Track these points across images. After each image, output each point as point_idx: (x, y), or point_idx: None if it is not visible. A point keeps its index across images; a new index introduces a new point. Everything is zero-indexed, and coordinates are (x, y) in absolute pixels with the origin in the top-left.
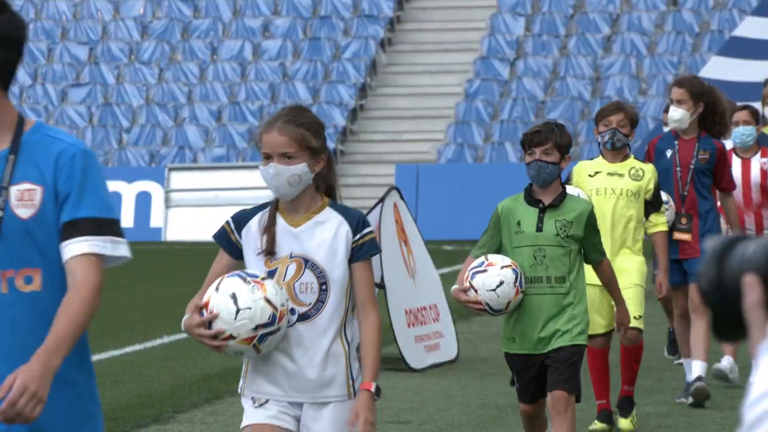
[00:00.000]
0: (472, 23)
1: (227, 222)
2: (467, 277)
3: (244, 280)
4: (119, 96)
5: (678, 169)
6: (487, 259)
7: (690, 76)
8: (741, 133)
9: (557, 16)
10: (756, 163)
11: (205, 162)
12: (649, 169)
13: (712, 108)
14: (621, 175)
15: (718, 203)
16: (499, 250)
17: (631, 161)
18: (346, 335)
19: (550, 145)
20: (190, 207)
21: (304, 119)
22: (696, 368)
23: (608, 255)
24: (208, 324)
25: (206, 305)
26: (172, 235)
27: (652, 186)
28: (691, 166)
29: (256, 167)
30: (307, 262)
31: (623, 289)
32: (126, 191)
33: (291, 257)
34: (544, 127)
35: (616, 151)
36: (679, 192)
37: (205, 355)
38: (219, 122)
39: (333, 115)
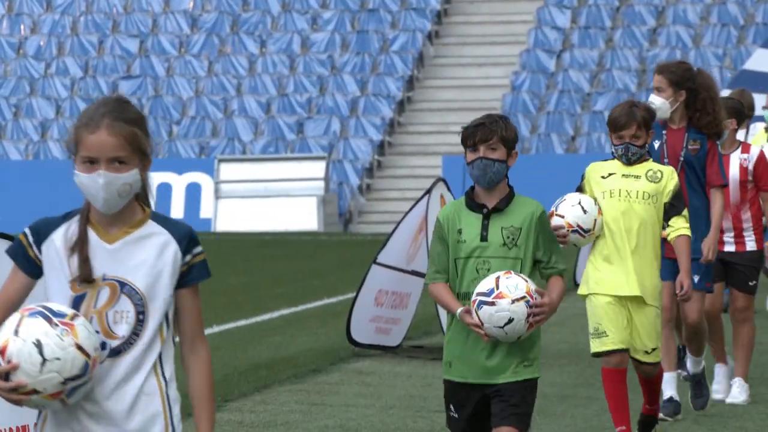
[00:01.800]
0: (519, 16)
1: (24, 233)
2: (474, 302)
3: (50, 321)
4: (169, 88)
5: (666, 161)
6: (497, 287)
7: (674, 63)
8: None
9: (603, 8)
10: (735, 159)
11: (253, 153)
12: (668, 171)
13: (695, 97)
14: (637, 177)
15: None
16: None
17: (649, 164)
18: (163, 371)
19: (495, 139)
20: (239, 198)
21: (131, 114)
22: (667, 387)
23: (620, 261)
24: (5, 375)
25: (2, 351)
26: (221, 225)
27: (671, 187)
28: (681, 158)
29: (305, 159)
30: (123, 287)
31: (639, 310)
32: (176, 182)
33: (104, 280)
34: (487, 119)
35: (632, 164)
36: None
37: (255, 345)
38: (268, 114)
39: (381, 107)
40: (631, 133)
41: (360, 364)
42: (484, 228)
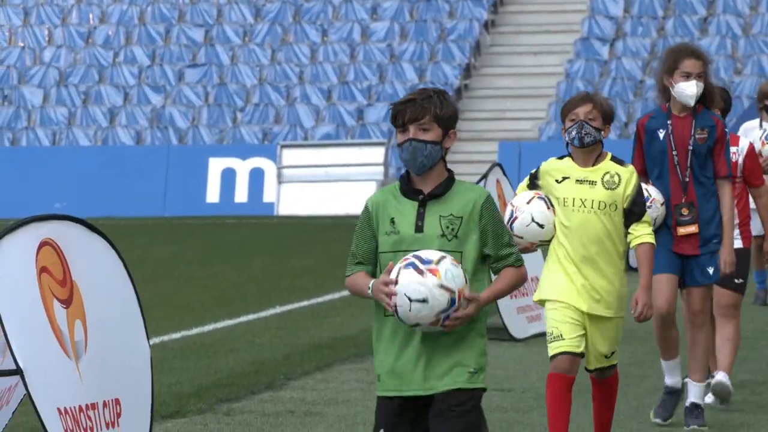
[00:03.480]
0: (573, 5)
1: None
2: (406, 259)
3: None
4: (233, 76)
5: (674, 152)
6: (438, 264)
7: (693, 45)
8: None
9: None
10: None
11: (315, 139)
12: (626, 173)
13: (708, 80)
14: (593, 184)
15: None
16: (376, 257)
17: (606, 164)
18: None
19: (428, 118)
20: (301, 182)
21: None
22: (691, 392)
23: (582, 276)
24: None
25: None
26: (284, 209)
27: (630, 191)
28: (690, 146)
29: (365, 144)
30: None
31: (596, 321)
32: (240, 168)
33: None
34: (419, 95)
35: (586, 148)
36: (678, 179)
37: (317, 325)
38: (329, 101)
39: None
40: (587, 111)
41: None
42: (420, 217)
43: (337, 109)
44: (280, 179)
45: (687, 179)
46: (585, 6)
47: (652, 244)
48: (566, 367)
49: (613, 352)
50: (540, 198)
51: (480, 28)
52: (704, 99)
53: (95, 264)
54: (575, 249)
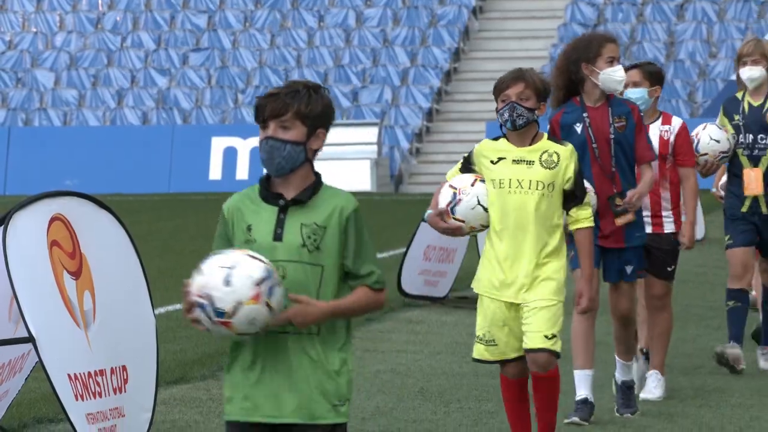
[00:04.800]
0: None
1: None
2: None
3: None
4: (235, 60)
5: (595, 145)
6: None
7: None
8: (628, 96)
9: None
10: (656, 130)
11: None
12: (565, 152)
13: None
14: (530, 163)
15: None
16: None
17: (543, 143)
18: None
19: (290, 115)
20: None
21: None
22: (581, 384)
23: (517, 262)
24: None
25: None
26: None
27: (571, 172)
28: (611, 136)
29: (359, 125)
30: None
31: (533, 308)
32: (241, 147)
33: None
34: (284, 89)
35: (520, 130)
36: (603, 172)
37: None
38: (325, 84)
39: (429, 77)
40: (518, 90)
41: (410, 314)
42: (279, 224)
43: (333, 91)
44: None
45: (613, 169)
46: None
47: (591, 228)
48: (514, 372)
49: (554, 335)
50: (482, 181)
51: (468, 14)
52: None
53: (103, 238)
54: (511, 233)
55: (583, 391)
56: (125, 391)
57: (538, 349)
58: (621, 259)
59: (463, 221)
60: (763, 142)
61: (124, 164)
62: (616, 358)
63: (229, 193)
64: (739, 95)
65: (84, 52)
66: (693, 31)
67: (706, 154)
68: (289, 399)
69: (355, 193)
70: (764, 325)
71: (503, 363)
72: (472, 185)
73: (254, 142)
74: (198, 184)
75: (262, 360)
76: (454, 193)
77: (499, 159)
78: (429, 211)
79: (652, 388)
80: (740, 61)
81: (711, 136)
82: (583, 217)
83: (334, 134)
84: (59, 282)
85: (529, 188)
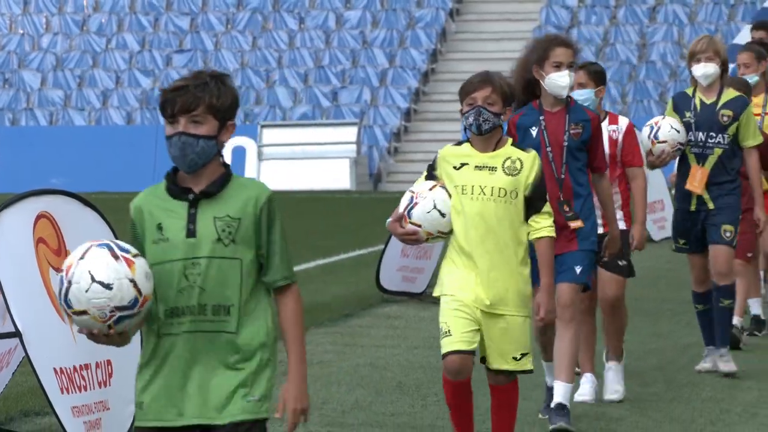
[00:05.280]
0: None
1: None
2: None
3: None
4: (217, 61)
5: (548, 149)
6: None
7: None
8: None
9: None
10: (603, 131)
11: (293, 119)
12: (528, 159)
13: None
14: (493, 169)
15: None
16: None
17: (507, 149)
18: None
19: (202, 109)
20: (280, 160)
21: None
22: (558, 392)
23: (480, 270)
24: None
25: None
26: None
27: (532, 179)
28: (564, 143)
29: (339, 124)
30: None
31: (497, 318)
32: None
33: None
34: (193, 80)
35: (485, 135)
36: (554, 176)
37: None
38: (306, 84)
39: (407, 78)
40: (485, 94)
41: (388, 309)
42: (191, 219)
43: (314, 91)
44: (261, 156)
45: (563, 176)
46: None
47: (553, 237)
48: (456, 369)
49: (523, 355)
50: (443, 188)
51: (445, 16)
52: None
53: (89, 235)
54: (473, 240)
55: (552, 379)
56: (110, 385)
57: (502, 371)
58: (568, 261)
59: (419, 225)
60: (713, 140)
61: (109, 163)
62: (543, 363)
63: None
64: (689, 91)
65: (70, 53)
66: (664, 33)
67: (665, 141)
68: (202, 399)
69: (334, 191)
70: (718, 325)
71: (445, 356)
72: (431, 190)
73: (236, 141)
74: None
75: (180, 358)
76: (412, 197)
77: (462, 164)
78: (390, 219)
79: (617, 388)
80: (693, 58)
81: (672, 125)
82: (544, 226)
83: (315, 133)
84: (45, 278)
85: (492, 195)
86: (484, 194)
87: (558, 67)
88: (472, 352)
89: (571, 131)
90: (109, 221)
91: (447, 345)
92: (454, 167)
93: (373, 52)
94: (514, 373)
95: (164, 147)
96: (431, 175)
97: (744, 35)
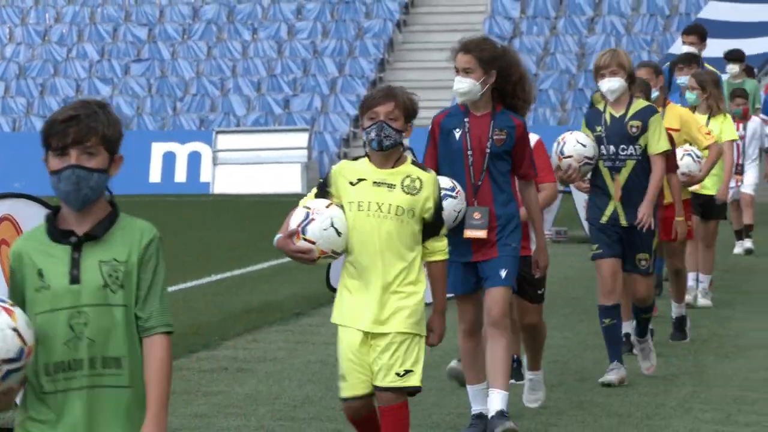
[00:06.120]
0: (476, 7)
1: None
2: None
3: None
4: (174, 70)
5: (470, 153)
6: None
7: (479, 39)
8: None
9: (548, 0)
10: None
11: (246, 126)
12: (429, 180)
13: (505, 78)
14: (391, 187)
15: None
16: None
17: (407, 167)
18: None
19: (94, 140)
20: (234, 164)
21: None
22: (496, 401)
23: (374, 289)
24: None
25: None
26: (218, 188)
27: (432, 203)
28: (487, 149)
29: (291, 130)
30: None
31: (388, 341)
32: (179, 151)
33: None
34: (83, 110)
35: (386, 151)
36: (471, 181)
37: (248, 292)
38: (259, 92)
39: (356, 86)
40: (388, 110)
41: None
42: (74, 264)
43: (266, 99)
44: (215, 161)
45: (480, 182)
46: (486, 8)
47: (446, 260)
48: (356, 411)
49: (407, 371)
50: (339, 206)
51: (393, 27)
52: (503, 97)
53: None
54: (367, 258)
55: (477, 406)
56: None
57: (386, 388)
58: (495, 266)
59: (314, 242)
60: (625, 153)
61: None
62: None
63: (168, 195)
64: (600, 106)
65: (32, 62)
66: (603, 42)
67: (570, 156)
68: None
69: (286, 195)
70: (638, 325)
71: (347, 401)
72: (327, 207)
73: (192, 147)
74: (139, 186)
75: (67, 422)
76: (307, 213)
77: (359, 180)
78: (279, 235)
79: (535, 394)
80: (598, 73)
81: (578, 140)
82: (439, 249)
83: (268, 139)
84: (8, 279)
85: (389, 212)
86: (381, 211)
87: (456, 72)
88: (370, 394)
89: (495, 137)
90: None
91: (345, 390)
92: (351, 183)
93: (324, 62)
94: (403, 393)
95: (122, 152)
96: (323, 192)
97: (679, 45)
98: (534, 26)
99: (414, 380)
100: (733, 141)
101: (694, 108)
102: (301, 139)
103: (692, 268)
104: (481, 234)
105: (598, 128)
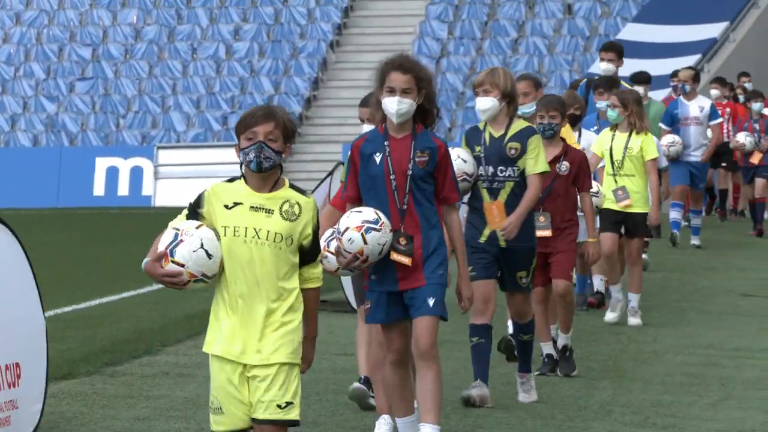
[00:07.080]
0: (405, 28)
1: None
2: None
3: None
4: (117, 88)
5: (392, 177)
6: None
7: (412, 59)
8: None
9: (474, 22)
10: None
11: (187, 142)
12: (308, 205)
13: (431, 95)
14: (270, 212)
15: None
16: None
17: (285, 191)
18: None
19: None
20: (174, 179)
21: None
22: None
23: (249, 318)
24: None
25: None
26: (159, 201)
27: (310, 230)
28: (409, 172)
29: (229, 146)
30: None
31: (269, 372)
32: (122, 166)
33: None
34: None
35: (264, 173)
36: (396, 206)
37: (188, 300)
38: (198, 110)
39: (291, 103)
40: (267, 130)
41: None
42: None
43: (206, 116)
44: (157, 176)
45: (405, 207)
46: (415, 29)
47: (319, 288)
48: None
49: (288, 404)
50: (211, 228)
51: (326, 47)
52: (424, 118)
53: None
54: (243, 286)
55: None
56: (18, 386)
57: (268, 420)
58: (422, 295)
59: (183, 265)
60: (503, 174)
61: (17, 182)
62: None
63: (112, 208)
64: (481, 126)
65: None
66: (526, 63)
67: None
68: None
69: None
70: (520, 355)
71: None
72: (198, 228)
73: (134, 161)
74: (83, 199)
75: None
76: (176, 234)
77: (235, 204)
78: (147, 259)
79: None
80: (475, 91)
81: (459, 155)
82: (315, 276)
83: (207, 154)
84: None
85: (266, 239)
86: (259, 238)
87: (391, 92)
88: (248, 428)
89: (417, 159)
90: (17, 234)
91: (220, 424)
92: (226, 206)
93: (260, 80)
94: (284, 426)
95: (67, 167)
96: (194, 214)
97: (598, 65)
98: (461, 46)
99: (294, 413)
100: (655, 159)
101: (615, 126)
102: None
103: (598, 272)
104: (407, 261)
105: (477, 148)
